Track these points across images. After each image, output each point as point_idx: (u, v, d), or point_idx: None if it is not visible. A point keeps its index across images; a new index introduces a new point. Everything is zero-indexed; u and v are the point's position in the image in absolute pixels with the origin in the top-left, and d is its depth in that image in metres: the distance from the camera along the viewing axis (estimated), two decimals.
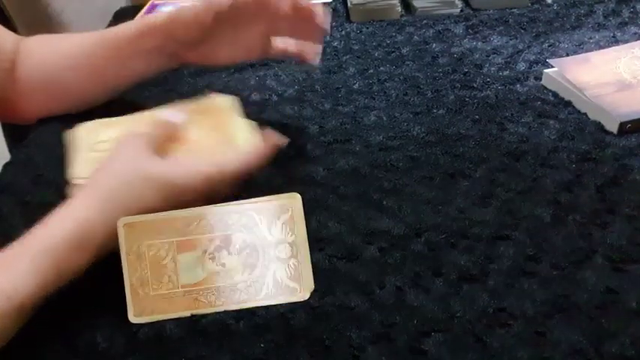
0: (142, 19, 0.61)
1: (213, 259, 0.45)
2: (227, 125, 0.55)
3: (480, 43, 0.82)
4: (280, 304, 0.44)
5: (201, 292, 0.44)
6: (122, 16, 1.01)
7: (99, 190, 0.46)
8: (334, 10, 0.96)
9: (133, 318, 0.44)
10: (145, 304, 0.44)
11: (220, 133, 0.54)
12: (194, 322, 0.44)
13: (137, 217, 0.45)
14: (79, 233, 0.43)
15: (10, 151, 0.96)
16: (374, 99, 0.70)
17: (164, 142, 0.51)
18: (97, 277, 0.48)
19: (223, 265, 0.45)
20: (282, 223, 0.46)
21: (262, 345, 0.42)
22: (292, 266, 0.45)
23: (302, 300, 0.45)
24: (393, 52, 0.82)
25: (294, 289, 0.45)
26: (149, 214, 0.45)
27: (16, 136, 0.56)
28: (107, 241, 0.44)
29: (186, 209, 0.45)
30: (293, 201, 0.46)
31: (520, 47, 0.80)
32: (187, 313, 0.44)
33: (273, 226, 0.46)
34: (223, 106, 0.58)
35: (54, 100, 0.65)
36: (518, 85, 0.71)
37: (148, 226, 0.45)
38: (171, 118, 0.53)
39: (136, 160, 0.47)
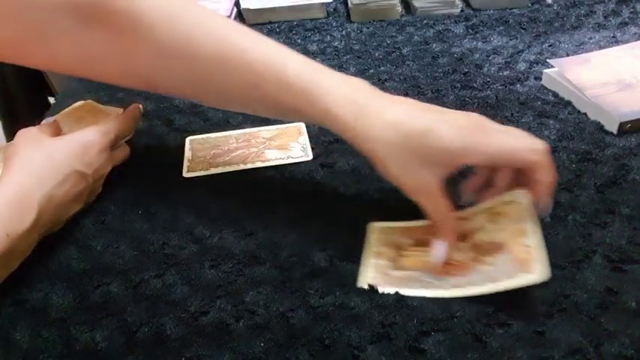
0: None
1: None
2: (98, 114, 0.63)
3: (480, 43, 0.82)
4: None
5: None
6: None
7: (26, 163, 0.49)
8: (335, 10, 0.96)
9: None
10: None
11: (97, 119, 0.61)
12: (194, 321, 0.44)
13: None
14: (17, 196, 0.46)
15: None
16: None
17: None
18: (97, 277, 0.48)
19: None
20: None
21: (262, 345, 0.42)
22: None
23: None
24: (393, 52, 0.82)
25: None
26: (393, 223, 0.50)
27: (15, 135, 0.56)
28: (42, 212, 0.47)
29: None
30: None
31: (520, 47, 0.80)
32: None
33: None
34: (90, 106, 0.65)
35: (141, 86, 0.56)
36: (518, 85, 0.71)
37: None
38: (47, 120, 0.59)
39: (40, 136, 0.53)
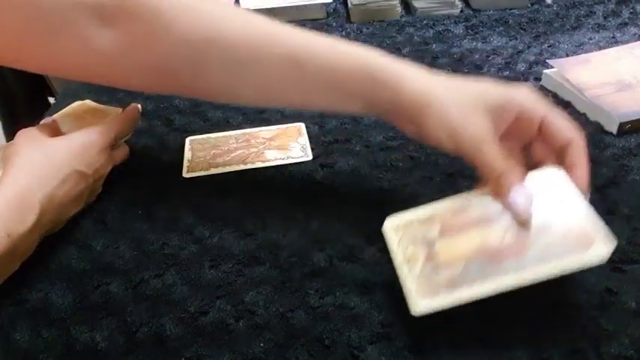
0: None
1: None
2: (97, 113, 0.63)
3: (479, 44, 0.83)
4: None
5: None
6: None
7: (27, 163, 0.49)
8: (335, 11, 0.96)
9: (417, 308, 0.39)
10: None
11: (95, 119, 0.61)
12: (194, 321, 0.44)
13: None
14: (18, 196, 0.46)
15: None
16: None
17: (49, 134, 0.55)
18: (97, 277, 0.48)
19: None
20: None
21: (262, 345, 0.42)
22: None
23: None
24: (393, 52, 0.81)
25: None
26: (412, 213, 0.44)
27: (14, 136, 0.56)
28: (43, 212, 0.47)
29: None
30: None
31: (520, 48, 0.80)
32: None
33: None
34: (89, 106, 0.64)
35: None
36: None
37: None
38: (46, 120, 0.59)
39: (40, 136, 0.53)
